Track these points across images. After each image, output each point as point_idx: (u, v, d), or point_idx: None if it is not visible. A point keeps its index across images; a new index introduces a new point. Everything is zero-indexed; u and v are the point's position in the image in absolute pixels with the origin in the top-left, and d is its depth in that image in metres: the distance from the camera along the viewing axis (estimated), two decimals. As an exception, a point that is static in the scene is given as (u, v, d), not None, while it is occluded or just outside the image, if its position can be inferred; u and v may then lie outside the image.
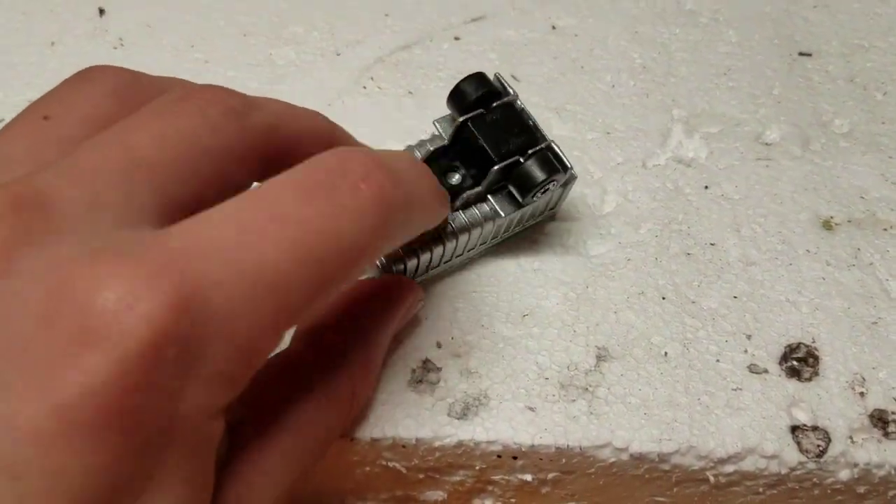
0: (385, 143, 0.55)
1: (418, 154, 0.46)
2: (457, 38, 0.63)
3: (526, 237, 0.49)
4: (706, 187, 0.52)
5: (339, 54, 0.61)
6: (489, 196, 0.45)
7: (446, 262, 0.46)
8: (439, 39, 0.63)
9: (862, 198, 0.52)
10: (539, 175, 0.43)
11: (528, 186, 0.44)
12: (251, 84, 0.58)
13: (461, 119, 0.45)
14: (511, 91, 0.46)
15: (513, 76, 0.59)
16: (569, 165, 0.45)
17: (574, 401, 0.43)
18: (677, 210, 0.51)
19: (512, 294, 0.47)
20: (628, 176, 0.53)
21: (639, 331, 0.45)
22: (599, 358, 0.44)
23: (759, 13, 0.64)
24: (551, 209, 0.50)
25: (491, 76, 0.46)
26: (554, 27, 0.63)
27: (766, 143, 0.55)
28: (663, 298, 0.47)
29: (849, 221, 0.50)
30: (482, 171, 0.44)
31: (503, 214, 0.45)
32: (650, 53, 0.61)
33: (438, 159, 0.46)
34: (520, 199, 0.45)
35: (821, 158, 0.54)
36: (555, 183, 0.45)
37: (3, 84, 0.58)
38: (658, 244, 0.49)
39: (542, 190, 0.44)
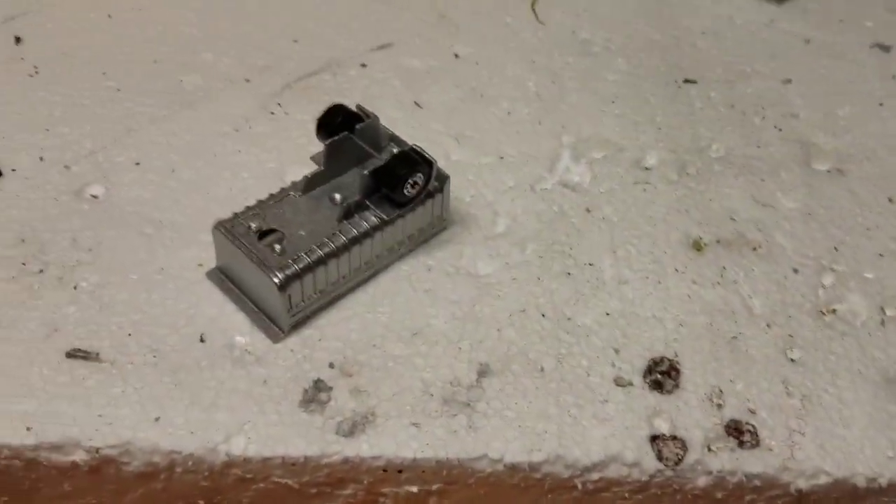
0: (289, 168, 0.57)
1: (294, 193, 0.50)
2: (363, 65, 0.65)
3: (420, 262, 0.52)
4: (588, 210, 0.56)
5: (247, 80, 0.64)
6: (370, 204, 0.50)
7: (344, 277, 0.49)
8: (346, 66, 0.65)
9: (732, 219, 0.56)
10: (401, 169, 0.48)
11: (394, 182, 0.49)
12: (161, 112, 0.60)
13: (328, 142, 0.50)
14: (370, 115, 0.51)
15: (416, 102, 0.62)
16: (431, 160, 0.49)
17: (455, 415, 0.46)
18: (561, 232, 0.54)
19: (404, 314, 0.50)
20: (518, 199, 0.56)
21: (518, 347, 0.49)
22: (480, 374, 0.47)
23: (649, 41, 0.68)
24: (440, 218, 0.53)
25: (353, 107, 0.52)
26: (456, 55, 0.66)
27: (646, 168, 0.58)
28: (543, 316, 0.50)
29: (717, 242, 0.54)
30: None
31: (385, 217, 0.49)
32: (545, 81, 0.64)
33: (317, 185, 0.50)
34: (393, 197, 0.49)
35: (695, 182, 0.58)
36: (421, 177, 0.49)
37: (-85, 113, 0.59)
38: (541, 264, 0.53)
39: (412, 184, 0.49)
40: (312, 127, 0.60)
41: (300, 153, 0.58)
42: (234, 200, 0.54)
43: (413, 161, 0.48)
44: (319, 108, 0.61)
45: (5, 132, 0.59)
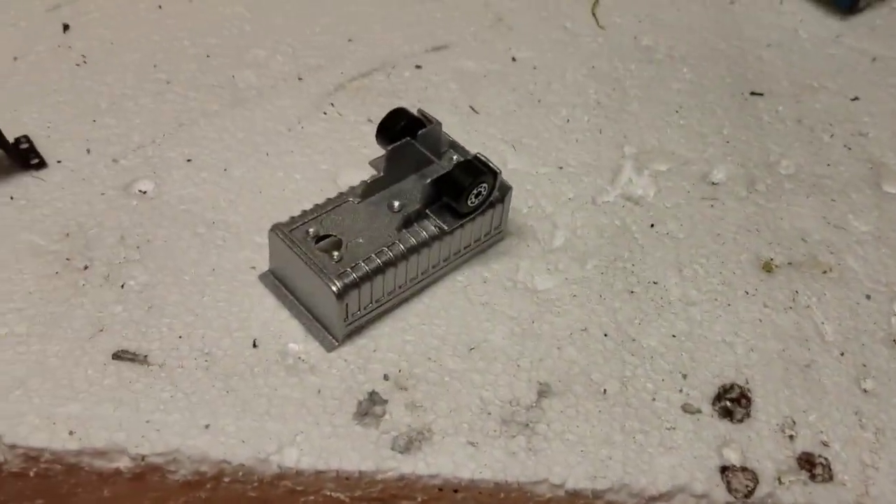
0: (343, 170, 0.56)
1: (352, 199, 0.48)
2: (418, 67, 0.64)
3: (477, 273, 0.51)
4: (652, 225, 0.54)
5: (300, 79, 0.62)
6: (430, 213, 0.48)
7: (401, 286, 0.48)
8: (401, 67, 0.64)
9: (803, 240, 0.53)
10: (465, 179, 0.47)
11: (457, 191, 0.47)
12: (212, 107, 0.59)
13: (390, 147, 0.48)
14: (433, 120, 0.49)
15: (471, 107, 0.61)
16: (496, 170, 0.47)
17: (514, 437, 0.44)
18: (623, 247, 0.52)
19: (460, 327, 0.48)
20: (578, 212, 0.54)
21: (580, 367, 0.47)
22: (541, 394, 0.46)
23: (713, 51, 0.66)
24: (497, 229, 0.51)
25: (414, 111, 0.50)
26: (514, 59, 0.65)
27: (713, 183, 0.56)
28: (605, 335, 0.48)
29: (789, 264, 0.52)
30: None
31: (446, 227, 0.48)
32: (605, 89, 0.62)
33: (376, 191, 0.49)
34: (455, 207, 0.47)
35: (765, 200, 0.56)
36: (485, 187, 0.47)
37: (-37, 100, 0.58)
38: (603, 281, 0.51)
39: (475, 194, 0.47)
40: (366, 129, 0.58)
41: (354, 156, 0.57)
42: (287, 202, 0.53)
43: (478, 171, 0.46)
44: (373, 110, 0.60)
45: (51, 121, 0.57)
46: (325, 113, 0.60)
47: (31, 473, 0.44)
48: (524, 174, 0.56)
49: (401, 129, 0.48)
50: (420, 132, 0.48)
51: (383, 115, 0.51)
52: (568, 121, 0.60)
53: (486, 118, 0.60)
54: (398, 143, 0.48)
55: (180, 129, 0.58)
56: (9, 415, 0.43)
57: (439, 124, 0.49)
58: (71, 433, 0.43)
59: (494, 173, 0.47)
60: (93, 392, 0.44)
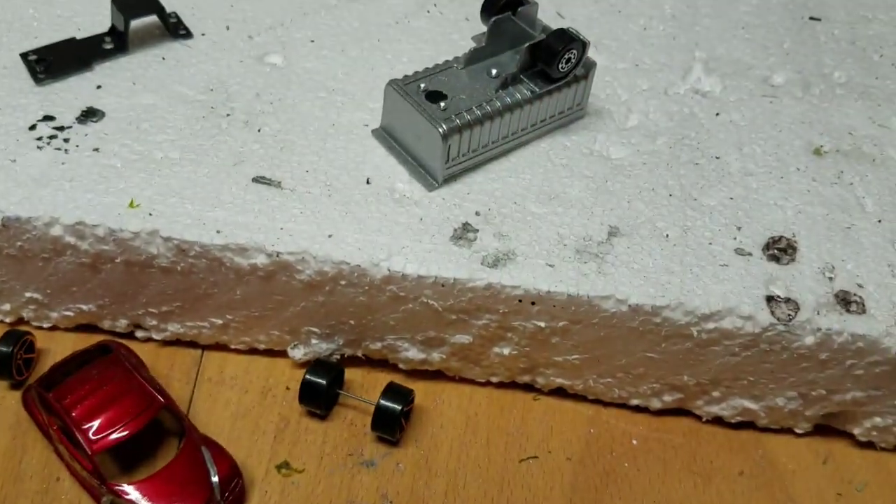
0: (443, 56, 0.63)
1: (456, 66, 0.56)
2: (512, -19, 0.71)
3: (558, 142, 0.58)
4: (717, 114, 0.61)
5: (408, -16, 0.70)
6: (524, 78, 0.55)
7: (494, 141, 0.55)
8: (497, -20, 0.71)
9: (850, 134, 0.60)
10: (557, 44, 0.54)
11: (550, 56, 0.54)
12: (332, 1, 0.67)
13: (492, 20, 0.55)
14: (531, 1, 0.57)
15: (558, 13, 0.68)
16: (585, 40, 0.55)
17: (586, 262, 0.51)
18: (690, 129, 0.59)
19: (542, 182, 0.56)
20: (651, 100, 0.61)
21: (646, 217, 0.54)
22: (611, 234, 0.53)
23: (779, -19, 0.73)
24: (579, 105, 0.58)
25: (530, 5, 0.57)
26: (597, -22, 0.72)
27: (773, 85, 0.63)
28: (670, 195, 0.55)
29: (837, 151, 0.59)
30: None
31: (538, 89, 0.55)
32: (680, 6, 0.69)
33: (477, 60, 0.57)
34: (548, 71, 0.55)
35: (818, 101, 0.62)
36: (575, 53, 0.54)
37: None
38: (671, 154, 0.58)
39: (566, 60, 0.55)
40: (464, 25, 0.66)
41: (453, 47, 0.64)
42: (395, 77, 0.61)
43: (570, 38, 0.54)
44: (470, 11, 0.67)
45: (194, 3, 0.66)
46: (428, 11, 0.68)
47: (179, 268, 0.53)
48: (604, 68, 0.63)
49: (502, 6, 0.56)
50: (520, 9, 0.56)
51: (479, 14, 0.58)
52: (645, 29, 0.67)
53: (570, 23, 0.67)
54: (500, 15, 0.55)
55: (304, 16, 0.66)
56: (166, 215, 0.52)
57: (536, 5, 0.57)
58: (218, 231, 0.51)
59: (583, 43, 0.54)
60: (236, 204, 0.53)
